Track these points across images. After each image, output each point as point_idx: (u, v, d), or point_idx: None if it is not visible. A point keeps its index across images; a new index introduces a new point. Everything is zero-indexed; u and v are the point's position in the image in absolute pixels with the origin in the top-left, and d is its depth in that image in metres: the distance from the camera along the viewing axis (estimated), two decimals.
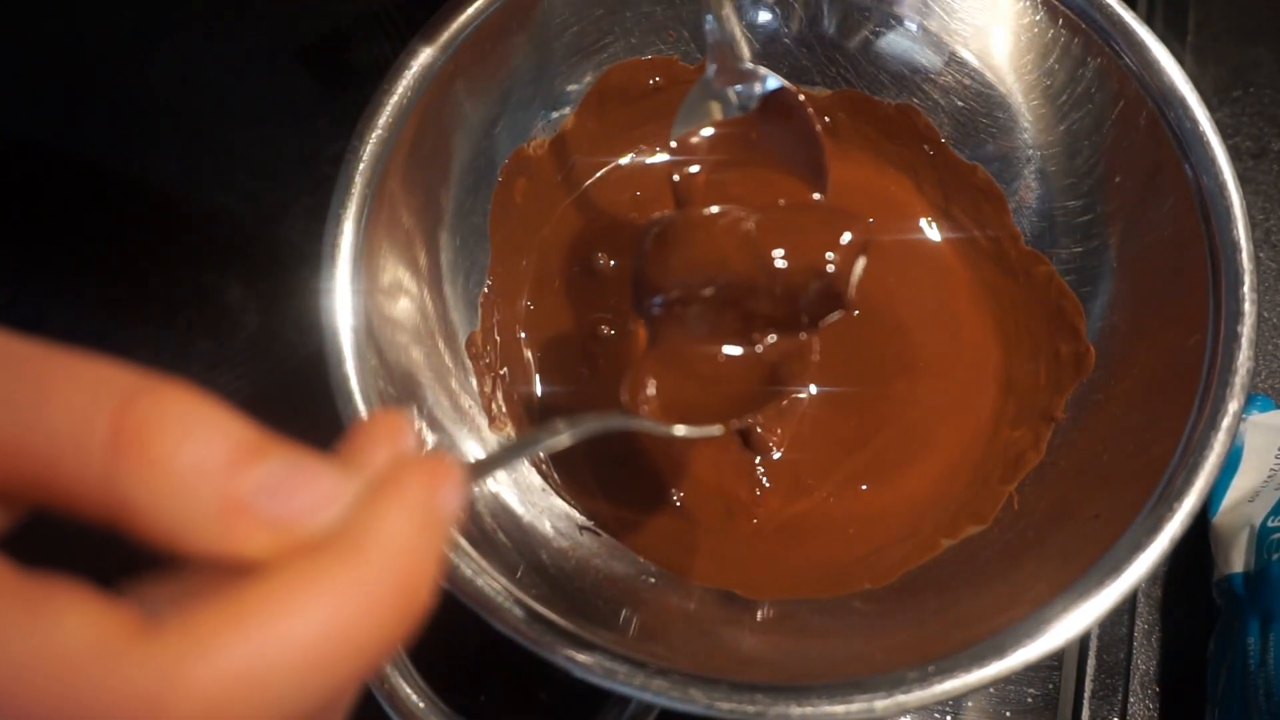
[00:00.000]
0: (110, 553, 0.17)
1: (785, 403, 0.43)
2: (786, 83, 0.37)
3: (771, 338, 0.34)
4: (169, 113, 0.52)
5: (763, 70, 0.37)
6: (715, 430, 0.32)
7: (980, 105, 0.44)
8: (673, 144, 0.38)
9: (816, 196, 0.36)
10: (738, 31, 0.37)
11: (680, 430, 0.31)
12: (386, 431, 0.19)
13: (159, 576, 0.16)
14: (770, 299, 0.34)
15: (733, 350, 0.35)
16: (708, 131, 0.38)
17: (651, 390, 0.33)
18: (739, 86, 0.38)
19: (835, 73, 0.46)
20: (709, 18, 0.37)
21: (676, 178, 0.37)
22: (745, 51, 0.37)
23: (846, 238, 0.33)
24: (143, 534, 0.16)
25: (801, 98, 0.37)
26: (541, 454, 0.41)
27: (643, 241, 0.36)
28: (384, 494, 0.17)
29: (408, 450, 0.19)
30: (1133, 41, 0.39)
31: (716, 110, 0.38)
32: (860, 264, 0.34)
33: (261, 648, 0.15)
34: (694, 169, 0.38)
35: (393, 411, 0.19)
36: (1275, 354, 0.50)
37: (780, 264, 0.33)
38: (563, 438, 0.26)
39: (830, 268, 0.33)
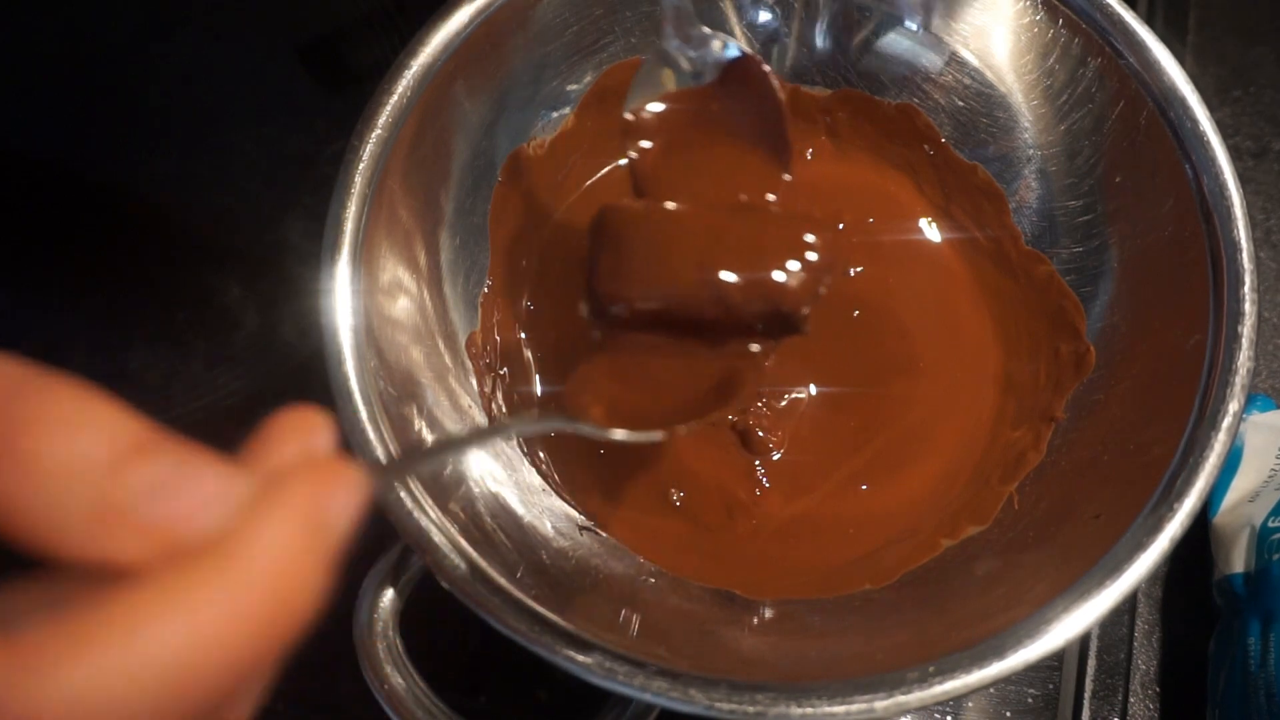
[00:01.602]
0: None
1: (784, 403, 0.43)
2: (749, 51, 0.35)
3: (723, 347, 0.33)
4: (169, 113, 0.52)
5: (721, 36, 0.36)
6: (657, 436, 0.31)
7: (980, 105, 0.44)
8: (627, 116, 0.36)
9: (786, 177, 0.34)
10: None
11: (619, 435, 0.30)
12: (296, 429, 0.18)
13: (23, 582, 0.15)
14: (724, 318, 0.33)
15: (682, 357, 0.34)
16: (664, 104, 0.36)
17: (596, 394, 0.32)
18: (692, 52, 0.36)
19: (835, 73, 0.46)
20: None
21: (633, 154, 0.36)
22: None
23: (811, 258, 0.32)
24: (10, 536, 0.15)
25: (767, 68, 0.35)
26: (525, 450, 0.41)
27: (592, 243, 0.34)
28: (265, 500, 0.16)
29: (317, 450, 0.18)
30: (1133, 41, 0.39)
31: (670, 80, 0.36)
32: (823, 288, 0.32)
33: (114, 667, 0.14)
34: (650, 144, 0.36)
35: (307, 407, 0.18)
36: (1275, 354, 0.50)
37: (736, 289, 0.32)
38: (498, 436, 0.25)
39: (787, 302, 0.32)
